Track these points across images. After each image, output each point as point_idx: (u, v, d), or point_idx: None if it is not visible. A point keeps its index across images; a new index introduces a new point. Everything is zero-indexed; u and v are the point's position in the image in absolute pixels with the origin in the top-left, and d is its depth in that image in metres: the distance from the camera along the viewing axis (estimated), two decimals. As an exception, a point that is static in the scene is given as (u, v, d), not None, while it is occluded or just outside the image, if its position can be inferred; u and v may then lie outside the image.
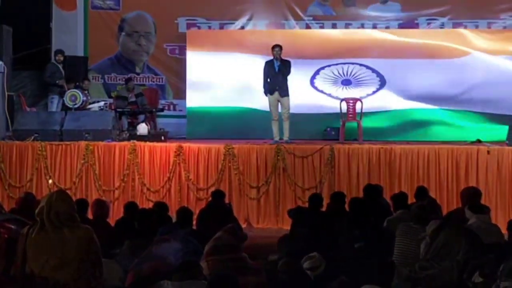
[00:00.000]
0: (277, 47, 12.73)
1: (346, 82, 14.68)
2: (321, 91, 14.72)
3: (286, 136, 12.73)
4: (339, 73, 14.71)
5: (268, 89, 12.79)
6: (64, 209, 4.89)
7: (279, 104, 12.80)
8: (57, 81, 14.42)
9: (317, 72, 14.72)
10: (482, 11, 15.56)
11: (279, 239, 7.00)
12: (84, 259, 4.83)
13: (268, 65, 12.83)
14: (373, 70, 14.63)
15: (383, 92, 14.57)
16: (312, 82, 14.70)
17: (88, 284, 4.83)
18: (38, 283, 4.76)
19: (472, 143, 12.77)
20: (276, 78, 12.72)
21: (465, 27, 15.45)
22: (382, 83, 14.58)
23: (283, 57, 12.77)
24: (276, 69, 12.70)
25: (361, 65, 14.67)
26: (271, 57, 12.84)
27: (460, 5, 15.58)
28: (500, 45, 14.46)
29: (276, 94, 12.72)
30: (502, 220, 10.46)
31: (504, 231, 7.81)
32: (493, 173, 11.48)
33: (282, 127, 12.80)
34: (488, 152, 11.61)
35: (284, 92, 12.73)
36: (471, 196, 8.50)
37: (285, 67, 12.72)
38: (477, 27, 15.45)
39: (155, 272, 5.55)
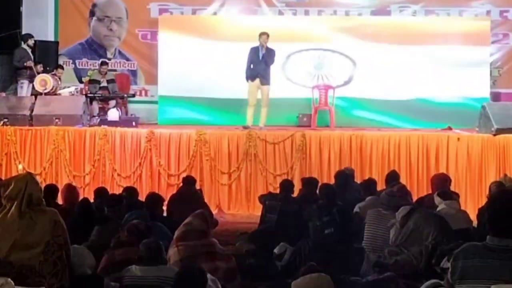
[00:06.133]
0: (264, 35, 12.63)
1: (319, 67, 14.69)
2: (292, 78, 14.71)
3: (262, 123, 12.71)
4: (311, 58, 14.72)
5: (250, 75, 12.75)
6: (37, 192, 4.90)
7: (259, 91, 12.79)
8: (25, 63, 14.24)
9: (288, 58, 14.70)
10: (454, -1, 15.68)
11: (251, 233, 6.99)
12: (50, 241, 4.82)
13: (253, 51, 12.75)
14: (346, 56, 14.65)
15: (355, 78, 14.60)
16: (284, 68, 14.67)
17: (54, 267, 4.82)
18: (4, 267, 4.73)
19: (443, 130, 12.88)
20: (259, 65, 12.67)
21: (437, 15, 15.55)
22: (354, 70, 14.62)
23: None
24: (260, 57, 12.64)
25: (334, 51, 14.70)
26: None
27: (432, -8, 15.68)
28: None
29: (257, 81, 12.69)
30: (471, 207, 10.55)
31: (473, 217, 7.90)
32: (463, 160, 11.55)
33: (259, 114, 12.79)
34: (458, 139, 11.68)
35: (265, 81, 12.69)
36: (441, 183, 8.58)
37: (269, 55, 12.67)
38: (448, 14, 15.55)
39: (128, 257, 5.53)
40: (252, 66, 12.75)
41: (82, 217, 7.08)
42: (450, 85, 14.31)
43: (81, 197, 8.40)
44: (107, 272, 5.54)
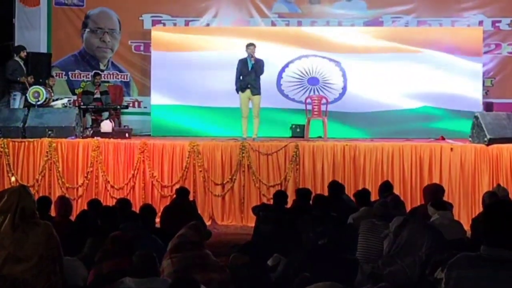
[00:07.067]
0: (251, 46, 12.72)
1: (313, 81, 14.69)
2: (287, 95, 14.73)
3: (255, 134, 12.73)
4: (305, 71, 14.72)
5: (240, 87, 12.77)
6: (30, 204, 4.86)
7: (250, 102, 12.79)
8: (18, 78, 14.18)
9: (283, 70, 14.72)
10: (446, 10, 15.72)
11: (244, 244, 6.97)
12: (44, 255, 4.78)
13: (242, 63, 12.78)
14: (336, 63, 14.68)
15: (348, 89, 14.63)
16: (279, 82, 14.70)
17: (48, 280, 4.78)
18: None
19: (436, 140, 12.90)
20: (248, 76, 12.70)
21: (430, 25, 15.60)
22: (345, 82, 14.64)
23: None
24: (249, 68, 12.68)
25: (323, 57, 14.72)
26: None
27: (424, 3, 15.73)
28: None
29: (248, 92, 12.70)
30: (464, 217, 10.59)
31: (466, 227, 7.89)
32: (456, 170, 11.58)
33: (251, 125, 12.80)
34: (451, 149, 11.71)
35: (256, 91, 12.71)
36: (434, 193, 8.56)
37: (258, 66, 12.70)
38: (441, 25, 15.61)
39: (116, 269, 5.49)
40: (241, 77, 12.76)
41: (80, 230, 7.06)
42: (442, 95, 14.35)
43: (74, 209, 8.37)
44: (96, 285, 5.50)
